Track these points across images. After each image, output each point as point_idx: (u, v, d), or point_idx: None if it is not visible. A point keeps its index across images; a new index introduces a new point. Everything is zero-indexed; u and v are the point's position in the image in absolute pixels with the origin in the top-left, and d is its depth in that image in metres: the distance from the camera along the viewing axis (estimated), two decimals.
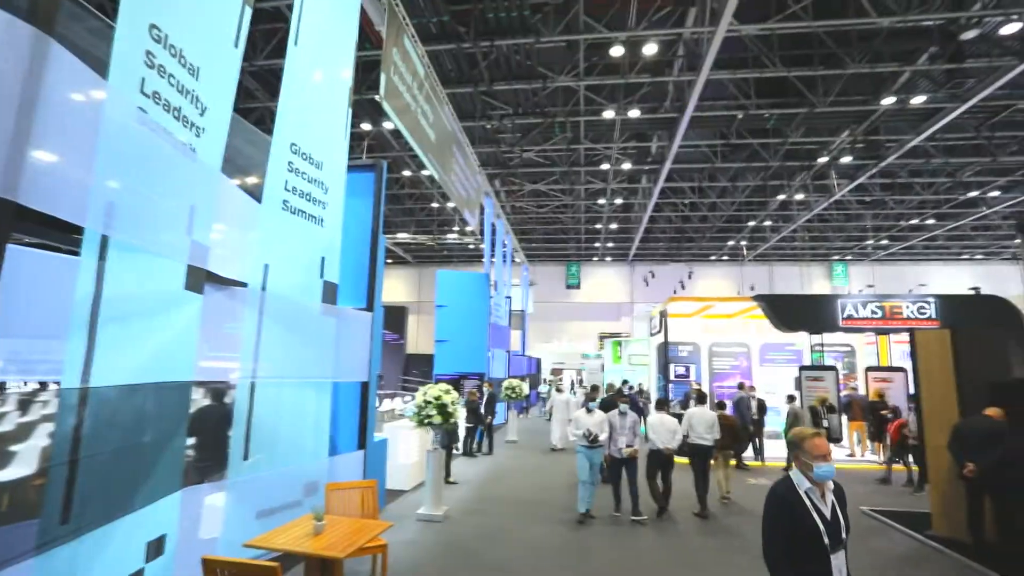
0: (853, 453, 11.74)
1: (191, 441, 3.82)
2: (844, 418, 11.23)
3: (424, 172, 16.69)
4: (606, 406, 9.15)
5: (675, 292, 26.60)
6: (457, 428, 9.08)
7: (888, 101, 11.71)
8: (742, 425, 10.12)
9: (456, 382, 13.14)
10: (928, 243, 24.22)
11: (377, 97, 6.65)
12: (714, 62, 9.29)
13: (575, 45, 10.74)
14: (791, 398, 10.43)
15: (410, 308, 30.53)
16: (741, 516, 7.05)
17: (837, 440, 10.92)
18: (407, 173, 17.42)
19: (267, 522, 4.13)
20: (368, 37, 9.59)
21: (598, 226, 23.54)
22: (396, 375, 26.37)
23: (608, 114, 12.73)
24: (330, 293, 5.14)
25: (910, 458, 8.98)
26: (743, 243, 25.03)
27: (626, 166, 16.19)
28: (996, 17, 9.17)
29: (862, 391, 12.11)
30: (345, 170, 5.41)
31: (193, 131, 3.38)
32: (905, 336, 8.10)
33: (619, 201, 20.19)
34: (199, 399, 4.18)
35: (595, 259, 30.16)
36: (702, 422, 7.19)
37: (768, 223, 21.63)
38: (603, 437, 6.61)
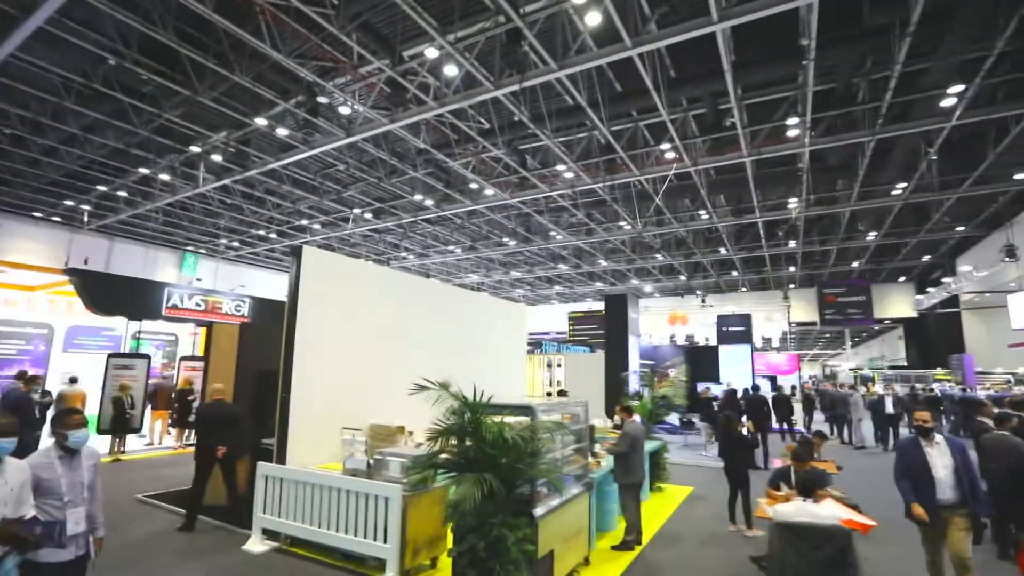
0: (152, 442, 11.69)
1: None
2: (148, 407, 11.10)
3: None
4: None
5: None
6: None
7: (261, 121, 13.12)
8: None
9: None
10: (268, 253, 28.23)
11: None
12: None
13: None
14: (73, 380, 9.28)
15: None
16: None
17: (136, 430, 10.62)
18: None
19: None
20: None
21: None
22: None
23: None
24: None
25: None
26: (86, 207, 21.15)
27: None
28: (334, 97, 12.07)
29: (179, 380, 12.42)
30: None
31: None
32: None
33: None
34: None
35: None
36: None
37: (124, 193, 19.31)
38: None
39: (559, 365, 16.86)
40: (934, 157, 12.97)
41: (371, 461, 5.14)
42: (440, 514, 5.19)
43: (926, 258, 23.15)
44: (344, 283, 6.76)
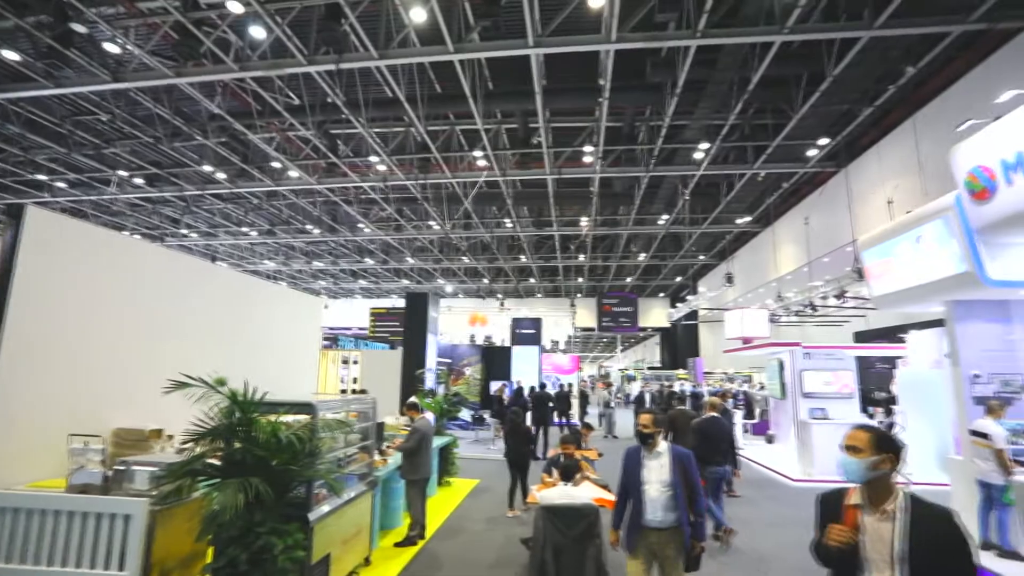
0: None
1: None
2: None
3: None
4: None
5: None
6: None
7: None
8: None
9: None
10: None
11: None
12: None
13: None
14: None
15: None
16: None
17: None
18: None
19: None
20: None
21: None
22: None
23: None
24: None
25: None
26: None
27: None
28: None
29: None
30: None
31: None
32: None
33: None
34: None
35: None
36: None
37: None
38: None
39: (355, 362, 16.26)
40: (687, 197, 15.92)
41: (109, 473, 4.30)
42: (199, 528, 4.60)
43: (678, 279, 28.32)
44: (90, 258, 5.55)
